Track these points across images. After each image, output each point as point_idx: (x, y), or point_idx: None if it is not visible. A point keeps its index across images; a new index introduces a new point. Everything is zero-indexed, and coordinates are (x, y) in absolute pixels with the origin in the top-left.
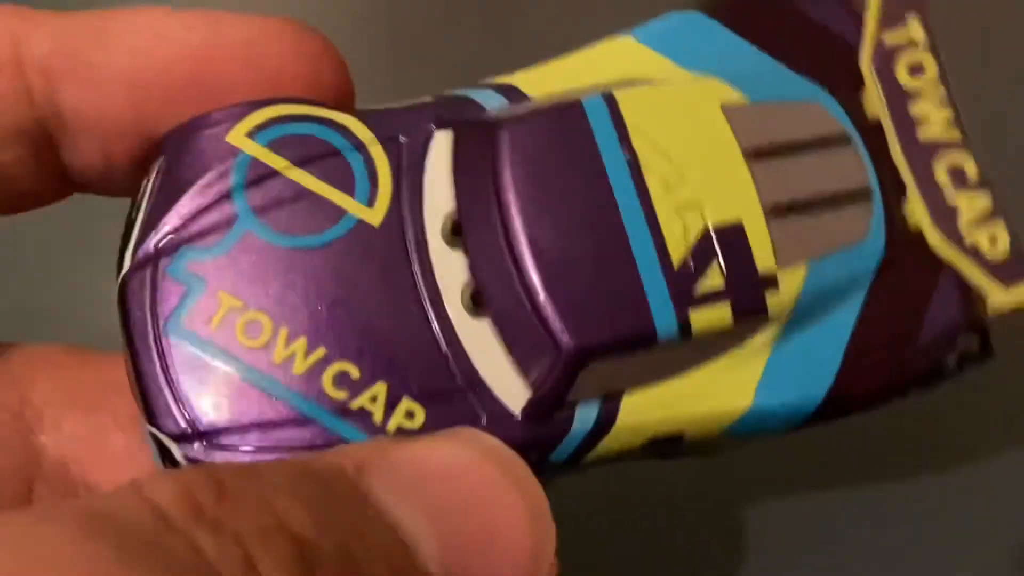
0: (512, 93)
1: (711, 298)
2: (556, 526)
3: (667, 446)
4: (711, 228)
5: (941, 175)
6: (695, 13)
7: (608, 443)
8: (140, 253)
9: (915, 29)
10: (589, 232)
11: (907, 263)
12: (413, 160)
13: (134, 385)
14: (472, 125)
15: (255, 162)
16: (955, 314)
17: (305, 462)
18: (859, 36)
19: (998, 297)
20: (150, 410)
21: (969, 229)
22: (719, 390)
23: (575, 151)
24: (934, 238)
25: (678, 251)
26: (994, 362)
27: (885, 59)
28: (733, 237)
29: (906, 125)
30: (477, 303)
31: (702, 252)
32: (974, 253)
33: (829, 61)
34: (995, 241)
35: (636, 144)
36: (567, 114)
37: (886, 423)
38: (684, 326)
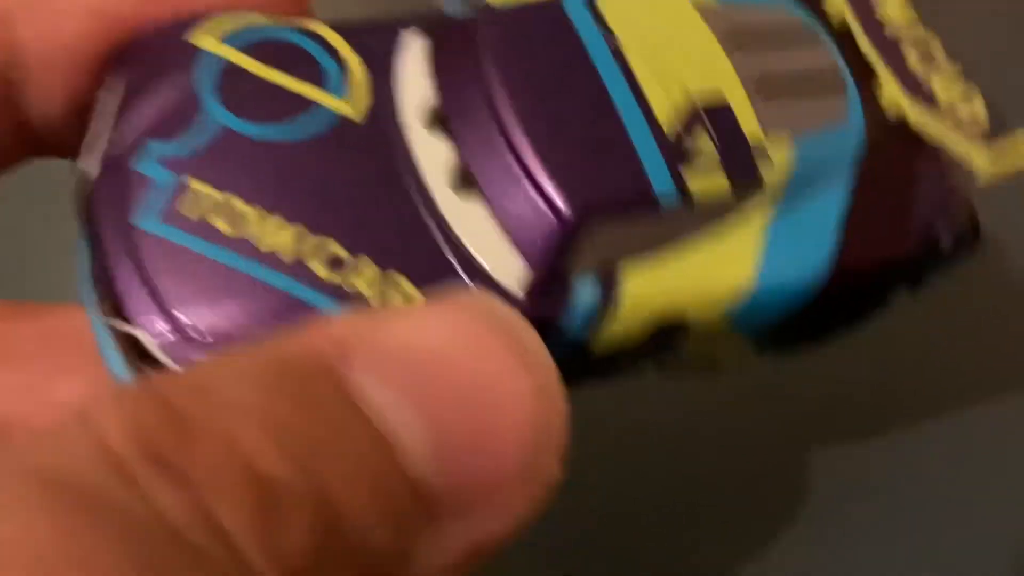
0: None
1: (705, 163)
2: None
3: (671, 339)
4: (697, 102)
5: (912, 61)
6: None
7: (613, 327)
8: (103, 156)
9: None
10: (578, 108)
11: (891, 146)
12: (385, 61)
13: (104, 288)
14: (447, 25)
15: (223, 61)
16: (944, 188)
17: (278, 354)
18: None
19: (983, 159)
20: (125, 308)
21: (947, 104)
22: (720, 265)
23: (557, 40)
24: (915, 115)
25: (668, 121)
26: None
27: None
28: (720, 110)
29: (872, 24)
30: (466, 183)
31: (691, 122)
32: (955, 124)
33: None
34: (974, 112)
35: (617, 33)
36: (546, 8)
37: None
38: (681, 188)
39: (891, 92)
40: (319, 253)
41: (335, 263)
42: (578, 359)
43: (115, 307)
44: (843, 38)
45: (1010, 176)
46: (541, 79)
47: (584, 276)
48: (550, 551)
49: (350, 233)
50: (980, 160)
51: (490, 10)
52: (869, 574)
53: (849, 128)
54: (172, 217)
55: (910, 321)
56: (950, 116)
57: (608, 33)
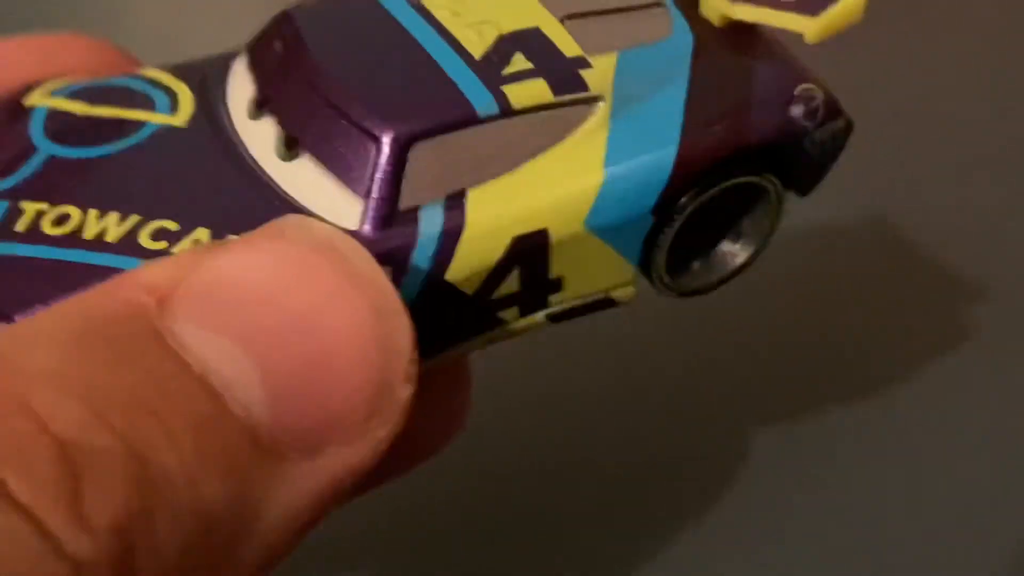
0: None
1: (522, 75)
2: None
3: (534, 256)
4: (505, 33)
5: None
6: None
7: (468, 251)
8: None
9: None
10: (386, 56)
11: (721, 46)
12: (216, 79)
13: None
14: (265, 32)
15: (52, 110)
16: (779, 68)
17: (83, 310)
18: None
19: (812, 26)
20: None
21: None
22: (567, 171)
23: (362, 13)
24: (738, 9)
25: (478, 50)
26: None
27: None
28: (530, 35)
29: None
30: (291, 147)
31: (502, 47)
32: (777, 4)
33: None
34: None
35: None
36: None
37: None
38: (501, 100)
39: (712, 2)
40: (148, 229)
41: (165, 235)
42: (449, 298)
43: None
44: None
45: (838, 32)
46: (347, 41)
47: (430, 205)
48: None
49: (182, 212)
50: (805, 24)
51: (297, 8)
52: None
53: (676, 39)
54: (4, 235)
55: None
56: (769, 3)
57: (415, 2)
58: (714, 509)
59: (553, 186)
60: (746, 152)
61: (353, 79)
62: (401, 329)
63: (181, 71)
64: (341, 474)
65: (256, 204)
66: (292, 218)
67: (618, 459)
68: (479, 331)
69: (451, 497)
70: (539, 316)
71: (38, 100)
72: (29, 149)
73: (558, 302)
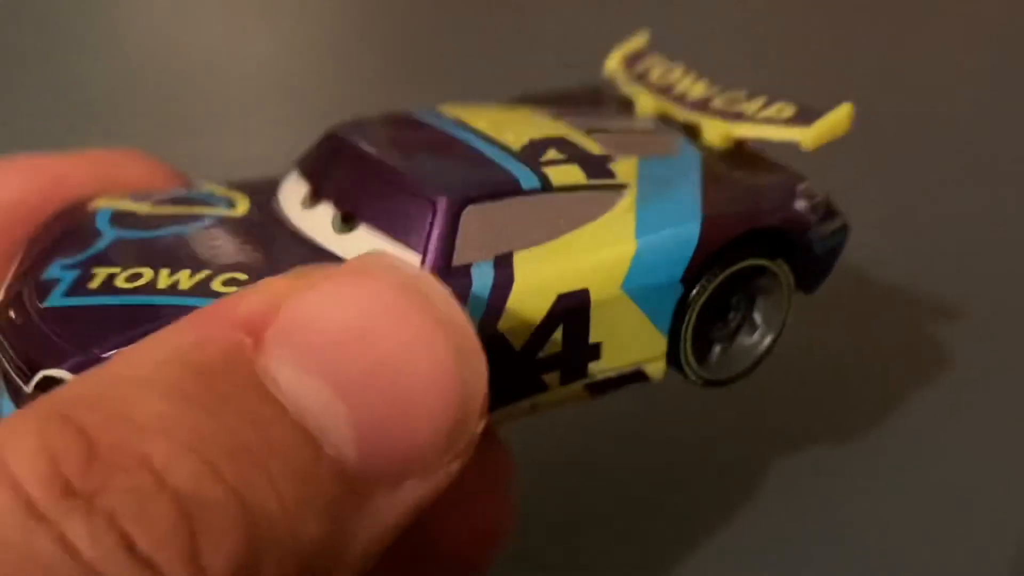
0: None
1: (558, 162)
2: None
3: (577, 317)
4: (537, 137)
5: (719, 104)
6: None
7: (516, 304)
8: (10, 279)
9: (656, 61)
10: (433, 148)
11: (726, 160)
12: (267, 190)
13: (12, 359)
14: (313, 148)
15: (118, 209)
16: (783, 172)
17: (190, 353)
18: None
19: (807, 135)
20: (36, 359)
21: (761, 113)
22: (603, 241)
23: (405, 123)
24: (738, 127)
25: (516, 145)
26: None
27: (642, 80)
28: (560, 139)
29: (680, 101)
30: (347, 220)
31: (537, 144)
32: (772, 121)
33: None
34: (783, 110)
35: (460, 116)
36: (395, 113)
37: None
38: (542, 178)
39: (714, 127)
40: (220, 279)
41: (237, 283)
42: (498, 350)
43: (28, 361)
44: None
45: (829, 141)
46: (394, 140)
47: (481, 263)
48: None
49: (251, 269)
50: (800, 134)
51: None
52: None
53: (684, 155)
54: (77, 291)
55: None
56: (762, 120)
57: (452, 117)
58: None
59: (591, 252)
60: (758, 234)
61: (405, 162)
62: (480, 368)
63: (235, 185)
64: (417, 503)
65: (319, 262)
66: (376, 254)
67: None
68: (524, 392)
69: None
70: (579, 385)
71: (103, 203)
72: (96, 234)
73: (596, 371)
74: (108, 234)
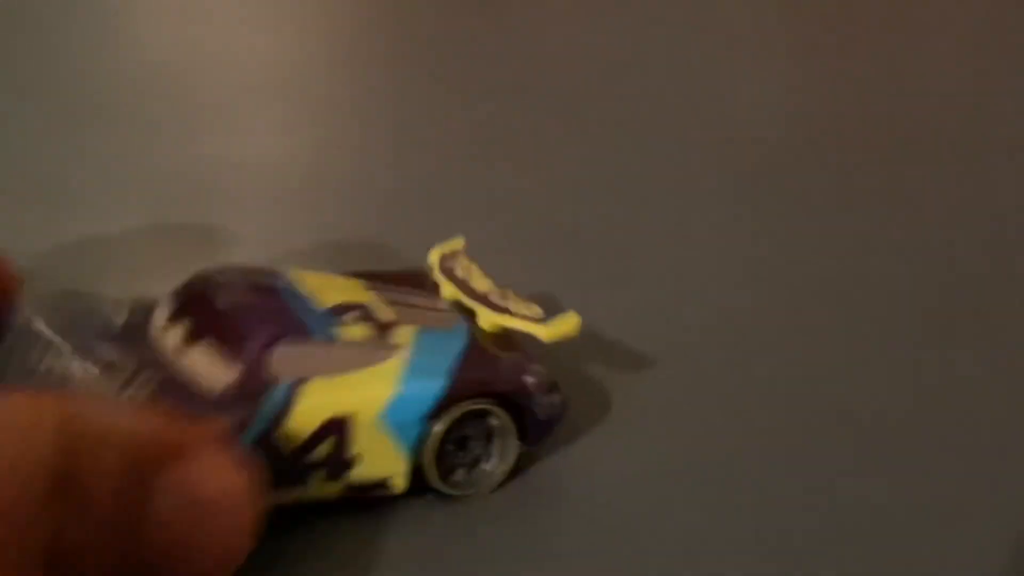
0: None
1: (353, 321)
2: None
3: (341, 431)
4: (342, 302)
5: (495, 299)
6: None
7: (294, 420)
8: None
9: (462, 261)
10: (262, 305)
11: (486, 339)
12: (145, 319)
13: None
14: (183, 285)
15: None
16: (524, 356)
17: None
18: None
19: (543, 332)
20: None
21: (515, 307)
22: (375, 383)
23: (247, 276)
24: (499, 319)
25: (325, 305)
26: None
27: (448, 273)
28: (362, 304)
29: (469, 291)
30: (193, 339)
31: (341, 308)
32: (522, 317)
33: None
34: (532, 309)
35: (296, 279)
36: (251, 269)
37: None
38: (333, 332)
39: (486, 316)
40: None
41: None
42: (272, 451)
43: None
44: (457, 303)
45: (563, 339)
46: (239, 299)
47: (279, 385)
48: None
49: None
50: (541, 331)
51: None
52: None
53: (456, 332)
54: None
55: None
56: (520, 316)
57: (290, 280)
58: None
59: (364, 389)
60: (491, 395)
61: (237, 312)
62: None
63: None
64: None
65: (173, 376)
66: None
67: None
68: (293, 483)
69: None
70: (339, 485)
71: None
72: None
73: (353, 477)
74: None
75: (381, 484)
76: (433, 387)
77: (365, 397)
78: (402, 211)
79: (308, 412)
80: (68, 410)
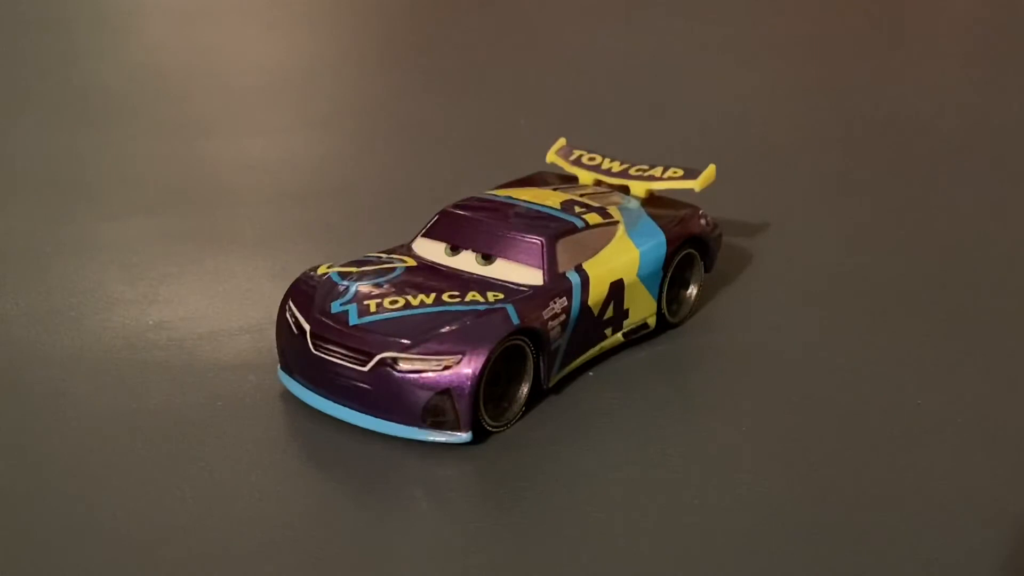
0: None
1: (586, 211)
2: None
3: (620, 293)
4: (563, 200)
5: (634, 172)
6: None
7: (593, 289)
8: (313, 323)
9: (579, 150)
10: (516, 214)
11: (652, 203)
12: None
13: (345, 355)
14: (434, 222)
15: (339, 271)
16: (687, 207)
17: None
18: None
19: (695, 184)
20: (370, 351)
21: (662, 175)
22: (622, 251)
23: (485, 201)
24: (649, 185)
25: (557, 206)
26: None
27: (578, 163)
28: (574, 200)
29: (606, 171)
30: (487, 258)
31: (568, 204)
32: (669, 178)
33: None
34: (677, 172)
35: (511, 196)
36: (475, 197)
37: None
38: (584, 221)
39: (636, 186)
40: (444, 295)
41: (453, 296)
42: (588, 315)
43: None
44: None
45: (709, 185)
46: (492, 211)
47: (569, 271)
48: None
49: (449, 288)
50: (692, 184)
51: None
52: None
53: (629, 203)
54: (364, 314)
55: None
56: (667, 178)
57: (504, 195)
58: None
59: (618, 257)
60: (688, 238)
61: (512, 222)
62: None
63: (385, 254)
64: None
65: (482, 281)
66: None
67: None
68: (597, 341)
69: None
70: (619, 335)
71: (325, 270)
72: (336, 285)
73: (627, 325)
74: (345, 284)
75: (644, 326)
76: (660, 243)
77: (625, 262)
78: (403, 211)
79: (598, 285)
80: None
